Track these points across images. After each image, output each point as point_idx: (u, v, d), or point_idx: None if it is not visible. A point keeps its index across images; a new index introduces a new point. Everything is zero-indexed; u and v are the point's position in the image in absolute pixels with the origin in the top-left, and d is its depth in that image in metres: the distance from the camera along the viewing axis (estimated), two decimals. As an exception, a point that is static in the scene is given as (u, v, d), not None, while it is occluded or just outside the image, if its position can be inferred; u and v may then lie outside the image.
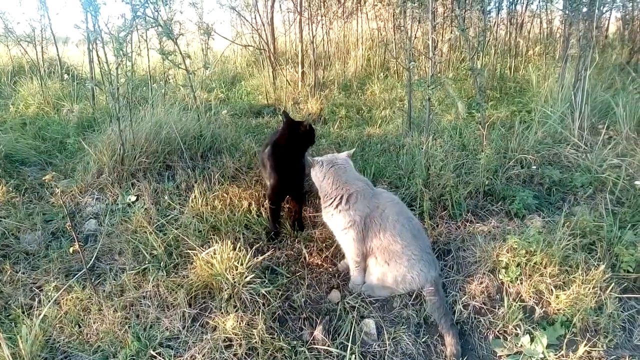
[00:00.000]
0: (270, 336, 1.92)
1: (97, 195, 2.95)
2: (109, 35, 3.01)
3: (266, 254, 2.33)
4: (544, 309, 2.02)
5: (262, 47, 6.50)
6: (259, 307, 2.03)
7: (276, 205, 2.63)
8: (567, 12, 4.10)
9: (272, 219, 2.62)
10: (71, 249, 2.09)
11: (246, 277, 2.09)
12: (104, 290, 2.22)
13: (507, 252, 2.20)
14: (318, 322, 2.04)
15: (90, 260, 2.34)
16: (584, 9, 3.68)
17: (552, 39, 7.24)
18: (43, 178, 2.09)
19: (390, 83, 6.27)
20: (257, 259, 2.24)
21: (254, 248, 2.40)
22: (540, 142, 3.38)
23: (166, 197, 2.87)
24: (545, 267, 2.11)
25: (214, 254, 2.19)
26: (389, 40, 7.38)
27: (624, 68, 4.75)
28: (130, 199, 2.91)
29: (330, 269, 2.39)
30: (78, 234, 2.70)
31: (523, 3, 6.90)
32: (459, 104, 3.97)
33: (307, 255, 2.44)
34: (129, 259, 2.42)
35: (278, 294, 2.14)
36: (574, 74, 3.70)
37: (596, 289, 2.00)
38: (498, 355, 1.90)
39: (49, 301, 2.11)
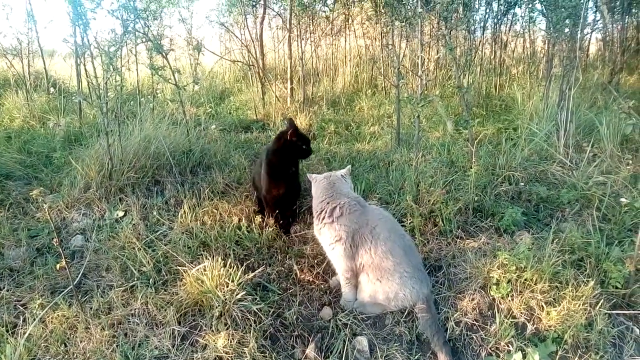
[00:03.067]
0: (262, 354, 1.89)
1: (84, 211, 2.91)
2: (99, 50, 2.99)
3: (257, 271, 2.31)
4: (535, 326, 2.03)
5: (251, 63, 6.54)
6: (250, 325, 2.00)
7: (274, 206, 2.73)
8: (550, 32, 4.21)
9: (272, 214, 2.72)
10: (58, 266, 2.04)
11: (237, 294, 2.06)
12: (91, 308, 2.16)
13: (498, 269, 2.21)
14: (310, 339, 2.02)
15: (77, 277, 2.29)
16: (567, 30, 3.79)
17: (534, 58, 7.43)
18: (30, 193, 2.05)
19: (378, 100, 6.34)
20: (247, 275, 2.21)
21: (244, 265, 2.37)
22: (527, 159, 3.43)
23: (155, 213, 2.84)
24: (535, 284, 2.13)
25: (204, 270, 2.16)
26: (377, 58, 7.50)
27: (605, 87, 4.88)
28: (117, 215, 2.87)
29: (322, 286, 2.37)
30: (64, 250, 2.64)
31: (506, 23, 7.07)
32: (447, 121, 4.02)
33: (298, 272, 2.42)
34: (116, 276, 2.38)
35: (269, 311, 2.11)
36: (558, 93, 3.79)
37: (586, 305, 2.01)
38: (490, 372, 1.90)
39: (34, 319, 2.05)
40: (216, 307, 2.05)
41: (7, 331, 2.04)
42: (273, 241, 2.65)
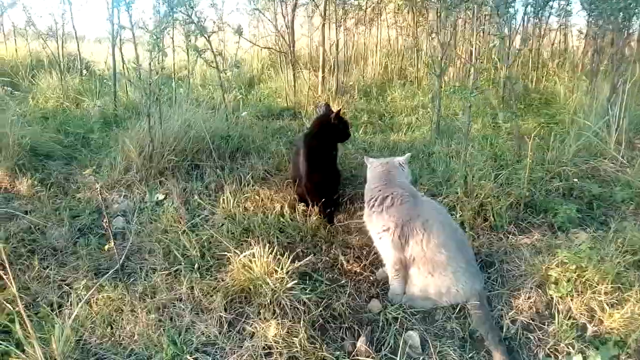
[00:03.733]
0: (312, 346, 1.83)
1: (124, 192, 2.89)
2: (145, 29, 2.95)
3: (305, 260, 2.24)
4: (595, 328, 1.93)
5: (282, 50, 6.46)
6: (300, 315, 1.94)
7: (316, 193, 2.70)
8: (599, 25, 4.04)
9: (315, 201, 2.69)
10: (106, 247, 2.01)
11: (286, 283, 2.01)
12: (135, 291, 2.14)
13: (557, 267, 2.12)
14: (360, 332, 1.96)
15: (121, 259, 2.26)
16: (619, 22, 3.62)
17: (569, 52, 7.19)
18: (84, 172, 2.01)
19: (410, 90, 6.21)
20: (296, 264, 2.15)
21: (292, 253, 2.31)
22: (575, 154, 3.30)
23: (196, 197, 2.80)
24: (597, 284, 2.03)
25: (252, 257, 2.12)
26: (408, 48, 7.37)
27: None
28: (157, 197, 2.84)
29: (369, 278, 2.30)
30: (105, 231, 2.63)
31: (545, 15, 6.83)
32: (499, 113, 3.90)
33: (344, 262, 2.36)
34: (159, 259, 2.35)
35: (318, 301, 2.05)
36: (609, 88, 3.63)
37: (652, 308, 1.91)
38: (549, 374, 1.82)
39: (80, 300, 2.03)
40: (265, 295, 2.00)
41: (53, 311, 2.02)
42: (317, 230, 2.59)
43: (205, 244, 2.38)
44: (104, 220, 1.97)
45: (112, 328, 1.95)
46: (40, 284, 2.20)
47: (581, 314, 1.98)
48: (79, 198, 2.87)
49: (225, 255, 2.30)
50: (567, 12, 6.75)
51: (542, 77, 6.27)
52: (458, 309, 2.06)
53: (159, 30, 2.66)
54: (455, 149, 3.55)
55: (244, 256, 2.12)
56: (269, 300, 1.98)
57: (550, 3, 6.41)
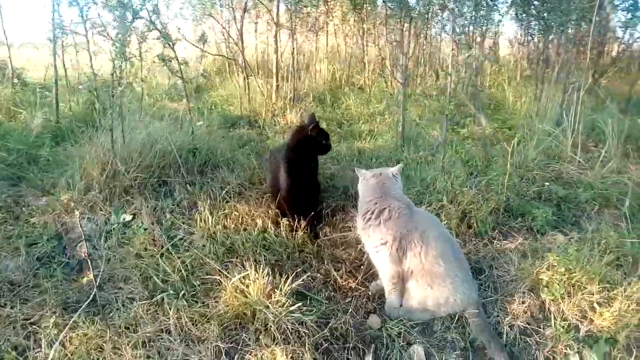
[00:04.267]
0: (319, 370, 1.75)
1: (88, 215, 2.63)
2: (104, 37, 2.72)
3: (301, 278, 2.13)
4: (587, 328, 2.00)
5: (232, 57, 6.29)
6: (303, 339, 1.85)
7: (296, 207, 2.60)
8: (546, 35, 4.27)
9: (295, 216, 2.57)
10: (84, 279, 1.81)
11: (288, 305, 1.90)
12: (114, 325, 1.94)
13: (547, 270, 2.17)
14: (364, 351, 1.90)
15: (93, 289, 2.04)
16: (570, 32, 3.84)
17: (503, 59, 7.60)
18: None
19: (363, 98, 6.25)
20: (292, 284, 2.04)
21: (281, 271, 2.20)
22: (535, 158, 3.44)
23: (168, 216, 2.61)
24: (586, 285, 2.10)
25: (244, 279, 1.99)
26: (354, 56, 7.46)
27: (591, 90, 5.02)
28: (124, 218, 2.62)
29: (364, 292, 2.24)
30: (68, 259, 2.38)
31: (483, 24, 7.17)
32: (481, 117, 3.99)
33: (338, 278, 2.28)
34: (137, 287, 2.15)
35: (318, 322, 1.96)
36: (560, 94, 3.84)
37: (638, 305, 2.00)
38: (551, 377, 1.85)
39: (51, 341, 1.81)
40: (263, 320, 1.89)
41: (21, 356, 1.79)
42: (304, 245, 2.49)
43: (189, 267, 2.21)
44: (83, 251, 1.77)
45: (93, 370, 1.76)
46: None
47: (573, 315, 2.04)
48: (34, 223, 2.58)
49: (211, 279, 2.15)
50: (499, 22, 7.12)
51: (486, 83, 6.56)
52: (456, 318, 2.06)
53: (123, 38, 2.45)
54: (423, 155, 3.59)
55: (237, 279, 1.99)
56: (268, 326, 1.87)
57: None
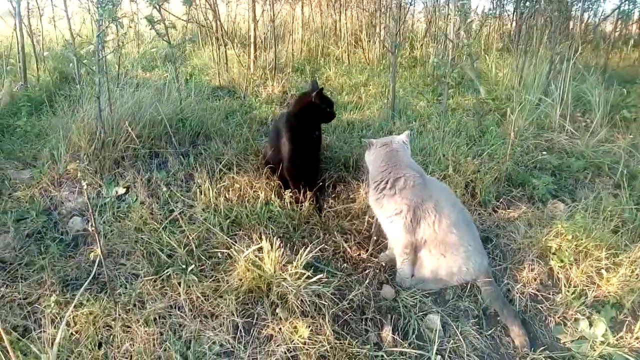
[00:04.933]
0: (339, 342, 1.71)
1: (76, 188, 2.47)
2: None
3: (314, 250, 2.05)
4: (595, 293, 2.04)
5: (207, 25, 6.02)
6: (323, 311, 1.81)
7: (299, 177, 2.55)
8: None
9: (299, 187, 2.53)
10: (91, 254, 1.69)
11: (304, 279, 1.85)
12: (120, 302, 1.84)
13: (555, 237, 2.19)
14: (381, 322, 1.88)
15: (95, 265, 1.93)
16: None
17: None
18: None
19: (344, 68, 6.14)
20: (307, 256, 1.98)
21: (289, 243, 2.14)
22: (527, 129, 3.46)
23: (164, 189, 2.48)
24: (592, 252, 2.14)
25: (259, 252, 1.92)
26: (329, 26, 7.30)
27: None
28: (117, 191, 2.48)
29: (374, 264, 2.21)
30: (61, 235, 2.24)
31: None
32: (480, 87, 3.96)
33: (348, 249, 2.24)
34: (141, 263, 2.04)
35: (334, 294, 1.92)
36: (547, 65, 3.85)
37: (640, 269, 2.06)
38: (562, 342, 1.88)
39: (53, 320, 1.71)
40: (280, 294, 1.83)
41: (20, 337, 1.67)
42: (309, 217, 2.43)
43: (194, 240, 2.11)
44: (90, 226, 1.64)
45: (103, 349, 1.66)
46: (-5, 305, 1.81)
47: (581, 281, 2.08)
48: (19, 198, 2.40)
49: (219, 252, 2.07)
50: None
51: (463, 56, 6.53)
52: (469, 286, 2.06)
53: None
54: (416, 125, 3.56)
55: (251, 252, 1.91)
56: (285, 299, 1.82)
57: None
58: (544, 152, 3.01)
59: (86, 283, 1.83)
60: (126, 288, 1.92)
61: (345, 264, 2.16)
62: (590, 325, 1.90)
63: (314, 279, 1.84)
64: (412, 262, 2.11)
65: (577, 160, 3.07)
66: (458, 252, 2.02)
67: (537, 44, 4.41)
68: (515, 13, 6.20)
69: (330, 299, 1.85)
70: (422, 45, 6.84)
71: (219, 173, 2.62)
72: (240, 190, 2.51)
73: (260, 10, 5.81)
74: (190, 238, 2.09)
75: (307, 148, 2.52)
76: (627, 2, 6.37)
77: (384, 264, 2.20)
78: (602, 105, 3.54)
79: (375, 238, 2.29)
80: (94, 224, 1.60)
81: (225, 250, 2.04)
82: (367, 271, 2.14)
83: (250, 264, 1.88)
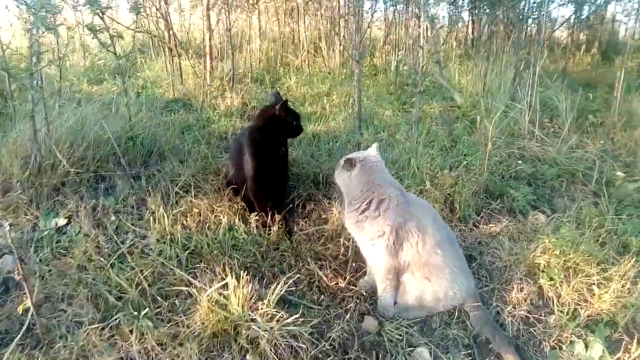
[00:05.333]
0: (321, 389, 1.50)
1: (8, 220, 2.13)
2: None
3: (283, 282, 1.82)
4: (587, 312, 1.91)
5: (158, 35, 5.71)
6: (299, 355, 1.58)
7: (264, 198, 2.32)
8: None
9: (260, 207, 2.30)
10: (19, 308, 1.40)
11: (278, 319, 1.61)
12: (59, 358, 1.55)
13: (543, 253, 2.06)
14: (367, 360, 1.67)
15: (28, 316, 1.62)
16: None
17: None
18: None
19: (305, 78, 5.96)
20: (278, 291, 1.74)
21: (258, 275, 1.90)
22: (499, 137, 3.37)
23: (112, 217, 2.19)
24: (582, 267, 2.02)
25: (224, 288, 1.67)
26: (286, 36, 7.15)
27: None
28: (57, 223, 2.16)
29: (354, 292, 2.00)
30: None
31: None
32: (455, 94, 3.83)
33: (324, 278, 2.02)
34: (85, 308, 1.75)
35: (312, 332, 1.70)
36: (512, 71, 3.81)
37: (632, 284, 1.95)
38: (559, 367, 1.73)
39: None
40: (247, 337, 1.59)
41: None
42: (278, 243, 2.20)
43: (148, 278, 1.84)
44: (16, 273, 1.35)
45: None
46: None
47: (572, 299, 1.95)
48: None
49: (178, 290, 1.81)
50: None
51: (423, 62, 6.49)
52: (456, 312, 1.89)
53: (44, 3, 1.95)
54: (385, 136, 3.41)
55: (214, 290, 1.66)
56: (256, 343, 1.58)
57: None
58: (520, 162, 2.91)
59: (18, 337, 1.53)
60: (67, 340, 1.62)
61: (322, 296, 1.94)
62: (586, 347, 1.77)
63: (289, 319, 1.60)
64: (395, 287, 1.92)
65: (550, 167, 3.00)
66: (443, 274, 1.85)
67: (500, 50, 4.36)
68: (473, 20, 6.21)
69: (308, 340, 1.63)
70: (382, 53, 6.80)
71: (175, 197, 2.35)
72: (200, 216, 2.25)
73: (215, 18, 5.55)
74: (143, 275, 1.81)
75: (274, 165, 2.30)
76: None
77: (364, 292, 2.00)
78: (569, 110, 3.50)
79: (353, 264, 2.09)
80: (20, 269, 1.31)
81: (184, 288, 1.78)
82: (346, 302, 1.93)
83: (214, 304, 1.63)
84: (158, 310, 1.76)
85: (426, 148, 2.95)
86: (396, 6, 6.50)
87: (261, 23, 7.36)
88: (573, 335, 1.81)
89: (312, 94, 5.22)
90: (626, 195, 2.65)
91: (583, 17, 6.68)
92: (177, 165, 2.66)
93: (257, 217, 2.23)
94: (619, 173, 2.73)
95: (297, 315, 1.62)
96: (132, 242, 2.06)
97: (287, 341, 1.59)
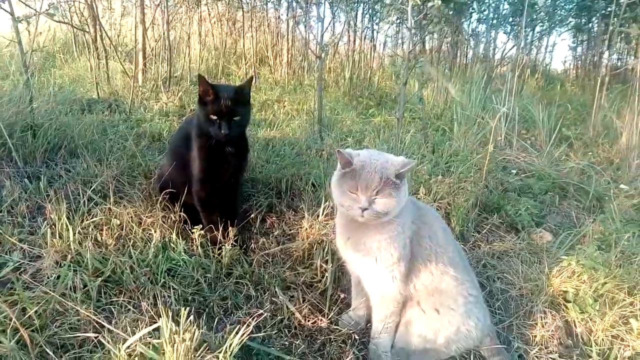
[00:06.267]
0: None
1: None
2: None
3: (253, 324, 1.25)
4: (626, 352, 1.51)
5: (83, 29, 4.98)
6: None
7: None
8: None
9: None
10: None
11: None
12: None
13: (569, 279, 1.65)
14: None
15: None
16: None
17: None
18: None
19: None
20: (236, 338, 1.17)
21: (207, 312, 1.33)
22: (481, 146, 3.04)
23: (-8, 231, 1.52)
24: (615, 295, 1.63)
25: (154, 333, 1.08)
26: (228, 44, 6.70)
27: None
28: None
29: (334, 330, 1.47)
30: None
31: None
32: (449, 87, 3.45)
33: (297, 314, 1.46)
34: None
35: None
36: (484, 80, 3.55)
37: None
38: None
39: None
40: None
41: None
42: (232, 266, 1.62)
43: (35, 320, 1.20)
44: None
45: None
46: None
47: (605, 335, 1.54)
48: None
49: (82, 339, 1.19)
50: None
51: (374, 76, 6.19)
52: (471, 358, 1.42)
53: None
54: (352, 142, 2.98)
55: (139, 337, 1.07)
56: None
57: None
58: (514, 171, 2.55)
59: None
60: None
61: (296, 340, 1.38)
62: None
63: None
64: (396, 326, 1.42)
65: (538, 180, 2.67)
66: (456, 305, 1.38)
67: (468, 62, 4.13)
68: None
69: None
70: (332, 63, 6.49)
71: (88, 203, 1.71)
72: (122, 229, 1.63)
73: (150, 17, 4.96)
74: (27, 316, 1.18)
75: (227, 165, 1.74)
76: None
77: (348, 330, 1.47)
78: (546, 122, 3.26)
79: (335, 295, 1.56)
80: None
81: (92, 335, 1.16)
82: (328, 348, 1.39)
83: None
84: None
85: (408, 155, 2.52)
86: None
87: (202, 29, 6.82)
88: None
89: (259, 101, 4.75)
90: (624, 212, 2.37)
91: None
92: (94, 164, 2.02)
93: (202, 232, 1.65)
94: (622, 186, 2.44)
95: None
96: (18, 265, 1.41)
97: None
